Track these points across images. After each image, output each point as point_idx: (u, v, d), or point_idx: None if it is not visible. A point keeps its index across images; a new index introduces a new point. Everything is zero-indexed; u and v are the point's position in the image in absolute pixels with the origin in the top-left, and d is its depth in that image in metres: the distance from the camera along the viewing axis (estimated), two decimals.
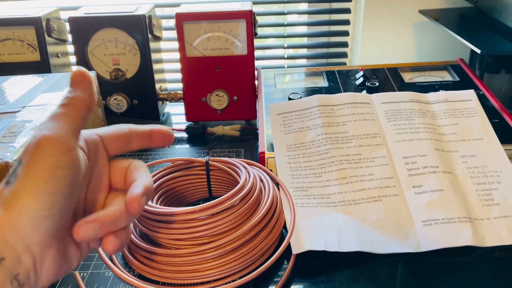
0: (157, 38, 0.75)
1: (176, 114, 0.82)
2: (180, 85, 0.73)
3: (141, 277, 0.42)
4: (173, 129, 0.76)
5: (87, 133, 0.32)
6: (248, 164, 0.52)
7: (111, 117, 0.73)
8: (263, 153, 0.56)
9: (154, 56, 0.72)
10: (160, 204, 0.49)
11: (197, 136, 0.73)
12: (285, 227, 0.47)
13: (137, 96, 0.73)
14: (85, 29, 0.69)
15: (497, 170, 0.51)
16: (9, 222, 0.26)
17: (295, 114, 0.59)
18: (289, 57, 1.02)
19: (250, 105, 0.73)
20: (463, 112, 0.58)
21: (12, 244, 0.26)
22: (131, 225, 0.35)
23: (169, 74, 0.91)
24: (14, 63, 0.71)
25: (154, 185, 0.49)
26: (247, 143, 0.69)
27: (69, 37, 0.72)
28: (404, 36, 0.94)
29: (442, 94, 0.60)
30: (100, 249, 0.44)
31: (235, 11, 0.68)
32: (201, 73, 0.71)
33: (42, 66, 0.71)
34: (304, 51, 1.04)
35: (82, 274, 0.44)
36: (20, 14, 0.71)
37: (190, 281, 0.41)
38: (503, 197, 0.49)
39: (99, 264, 0.45)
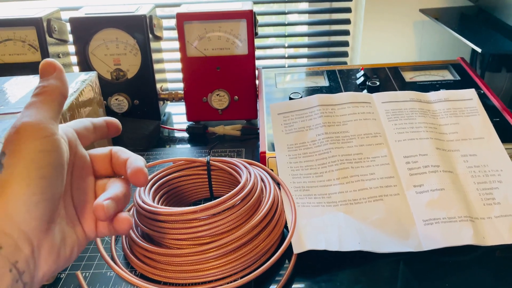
0: (158, 38, 0.75)
1: (177, 114, 0.83)
2: (181, 85, 0.73)
3: (143, 277, 0.43)
4: (174, 129, 0.76)
5: (62, 127, 0.32)
6: (249, 164, 0.52)
7: (112, 117, 0.73)
8: (264, 152, 0.56)
9: (155, 56, 0.72)
10: (162, 204, 0.50)
11: (198, 136, 0.73)
12: (286, 226, 0.47)
13: (138, 96, 0.73)
14: (86, 29, 0.69)
15: (498, 169, 0.51)
16: (2, 210, 0.26)
17: (296, 114, 0.59)
18: (290, 57, 1.02)
19: (251, 104, 0.73)
20: (464, 111, 0.58)
21: (9, 232, 0.26)
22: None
23: (170, 74, 0.91)
24: (15, 63, 0.71)
25: (155, 185, 0.49)
26: (248, 143, 0.69)
27: (70, 38, 0.72)
28: (405, 35, 0.94)
29: (443, 93, 0.60)
30: (102, 249, 0.45)
31: (235, 11, 0.68)
32: (202, 73, 0.71)
33: None
34: (304, 51, 1.04)
35: (84, 274, 0.44)
36: (21, 14, 0.71)
37: (191, 281, 0.41)
38: (504, 196, 0.49)
39: (101, 264, 0.45)
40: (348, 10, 0.96)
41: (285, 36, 1.00)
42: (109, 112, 0.72)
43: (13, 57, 0.71)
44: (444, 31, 0.77)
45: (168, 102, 0.81)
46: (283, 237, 0.47)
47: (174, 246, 0.42)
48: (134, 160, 0.33)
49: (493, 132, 0.55)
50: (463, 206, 0.47)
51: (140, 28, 0.69)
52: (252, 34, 0.69)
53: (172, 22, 0.71)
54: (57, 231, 0.30)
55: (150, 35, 0.70)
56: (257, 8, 1.02)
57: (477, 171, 0.51)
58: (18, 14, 0.71)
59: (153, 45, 0.72)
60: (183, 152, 0.68)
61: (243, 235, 0.42)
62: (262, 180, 0.49)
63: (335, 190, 0.50)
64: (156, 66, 0.73)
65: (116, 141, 0.67)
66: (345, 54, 1.00)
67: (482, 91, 0.64)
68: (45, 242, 0.28)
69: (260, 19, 0.93)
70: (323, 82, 0.72)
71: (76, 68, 0.74)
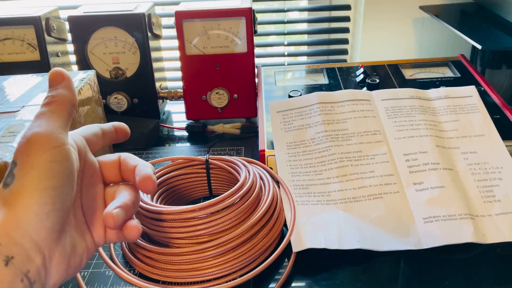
0: (157, 37, 0.75)
1: (177, 113, 0.82)
2: (180, 84, 0.73)
3: (142, 276, 0.42)
4: (174, 128, 0.76)
5: (71, 134, 0.33)
6: (248, 162, 0.52)
7: (111, 116, 0.72)
8: (263, 151, 0.56)
9: (154, 54, 0.72)
10: (161, 203, 0.49)
11: (197, 134, 0.73)
12: (285, 225, 0.47)
13: (137, 95, 0.73)
14: (84, 28, 0.69)
15: (498, 167, 0.51)
16: (14, 220, 0.26)
17: (295, 112, 0.59)
18: (289, 55, 1.02)
19: (250, 103, 0.73)
20: (464, 109, 0.57)
21: (20, 242, 0.26)
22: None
23: (169, 73, 0.91)
24: (14, 62, 0.71)
25: None
26: (247, 141, 0.69)
27: (69, 36, 0.72)
28: (405, 32, 0.94)
29: (443, 90, 0.60)
30: (100, 248, 0.44)
31: (234, 8, 0.67)
32: (201, 71, 0.70)
33: (42, 66, 0.71)
34: (304, 48, 1.04)
35: (82, 273, 0.44)
36: (20, 13, 0.70)
37: (190, 280, 0.41)
38: (504, 194, 0.49)
39: (99, 263, 0.45)
40: (347, 7, 0.95)
41: (284, 34, 1.00)
42: (108, 111, 0.72)
43: (12, 56, 0.71)
44: (444, 28, 0.77)
45: (168, 100, 0.81)
46: (282, 235, 0.47)
47: (173, 245, 0.42)
48: (143, 168, 0.34)
49: (494, 129, 0.55)
50: (463, 203, 0.47)
51: (139, 27, 0.69)
52: (251, 32, 0.68)
53: (172, 20, 0.70)
54: (68, 240, 0.30)
55: (149, 34, 0.70)
56: (256, 6, 1.02)
57: (477, 169, 0.51)
58: (17, 13, 0.71)
59: (152, 43, 0.72)
60: (182, 150, 0.68)
61: (242, 234, 0.42)
62: (261, 178, 0.49)
63: (334, 188, 0.50)
64: (155, 65, 0.73)
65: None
66: (344, 52, 1.00)
67: (482, 88, 0.64)
68: (56, 252, 0.28)
69: (260, 17, 0.93)
70: (323, 79, 0.72)
71: (75, 67, 0.74)
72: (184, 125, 0.74)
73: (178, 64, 0.71)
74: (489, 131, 0.55)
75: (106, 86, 0.71)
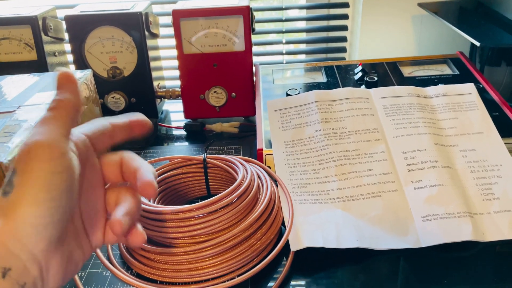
0: (154, 35, 0.74)
1: (175, 112, 0.82)
2: (178, 83, 0.72)
3: (139, 276, 0.42)
4: (172, 127, 0.76)
5: (75, 133, 0.31)
6: (246, 161, 0.52)
7: (109, 115, 0.72)
8: (261, 150, 0.56)
9: (151, 53, 0.72)
10: (158, 203, 0.49)
11: (195, 133, 0.73)
12: (283, 224, 0.47)
13: (135, 94, 0.73)
14: (81, 27, 0.68)
15: (497, 164, 0.51)
16: (11, 232, 0.26)
17: (293, 110, 0.58)
18: (288, 53, 1.01)
19: (248, 101, 0.73)
20: (462, 106, 0.57)
21: (18, 253, 0.26)
22: None
23: (167, 72, 0.91)
24: (11, 62, 0.71)
25: None
26: (246, 140, 0.69)
27: (66, 36, 0.71)
28: (403, 29, 0.94)
29: (441, 88, 0.60)
30: (98, 249, 0.44)
31: (232, 7, 0.67)
32: (199, 70, 0.70)
33: (39, 65, 0.71)
34: (303, 47, 1.04)
35: (80, 273, 0.43)
36: (17, 13, 0.70)
37: (188, 280, 0.41)
38: (503, 191, 0.48)
39: (97, 263, 0.45)
40: (346, 5, 0.95)
41: (283, 32, 0.99)
42: (106, 110, 0.72)
43: (9, 56, 0.71)
44: (443, 25, 0.76)
45: (165, 99, 0.81)
46: (280, 234, 0.46)
47: (171, 244, 0.42)
48: (145, 172, 0.32)
49: (492, 127, 0.54)
50: (462, 201, 0.47)
51: (136, 26, 0.68)
52: (249, 30, 0.68)
53: (169, 19, 0.70)
54: (65, 248, 0.29)
55: (147, 33, 0.70)
56: (255, 4, 1.01)
57: (476, 166, 0.51)
58: (14, 12, 0.71)
59: (150, 42, 0.71)
60: (180, 150, 0.68)
61: (240, 233, 0.42)
62: (259, 177, 0.49)
63: (332, 187, 0.50)
64: (153, 64, 0.73)
65: None
66: (343, 50, 0.99)
67: (481, 85, 0.64)
68: (53, 262, 0.28)
69: (258, 15, 0.92)
70: (321, 78, 0.71)
71: (72, 67, 0.73)
72: (182, 124, 0.73)
73: (176, 63, 0.71)
74: (488, 129, 0.54)
75: (103, 85, 0.71)
